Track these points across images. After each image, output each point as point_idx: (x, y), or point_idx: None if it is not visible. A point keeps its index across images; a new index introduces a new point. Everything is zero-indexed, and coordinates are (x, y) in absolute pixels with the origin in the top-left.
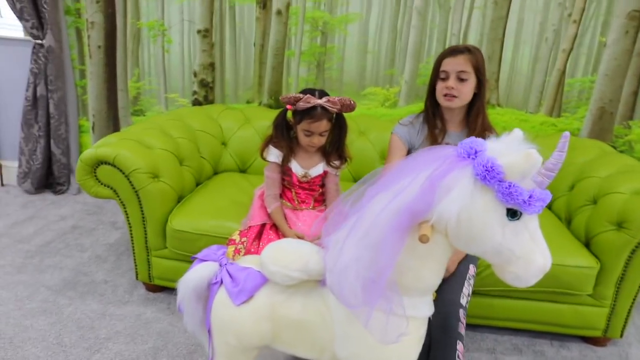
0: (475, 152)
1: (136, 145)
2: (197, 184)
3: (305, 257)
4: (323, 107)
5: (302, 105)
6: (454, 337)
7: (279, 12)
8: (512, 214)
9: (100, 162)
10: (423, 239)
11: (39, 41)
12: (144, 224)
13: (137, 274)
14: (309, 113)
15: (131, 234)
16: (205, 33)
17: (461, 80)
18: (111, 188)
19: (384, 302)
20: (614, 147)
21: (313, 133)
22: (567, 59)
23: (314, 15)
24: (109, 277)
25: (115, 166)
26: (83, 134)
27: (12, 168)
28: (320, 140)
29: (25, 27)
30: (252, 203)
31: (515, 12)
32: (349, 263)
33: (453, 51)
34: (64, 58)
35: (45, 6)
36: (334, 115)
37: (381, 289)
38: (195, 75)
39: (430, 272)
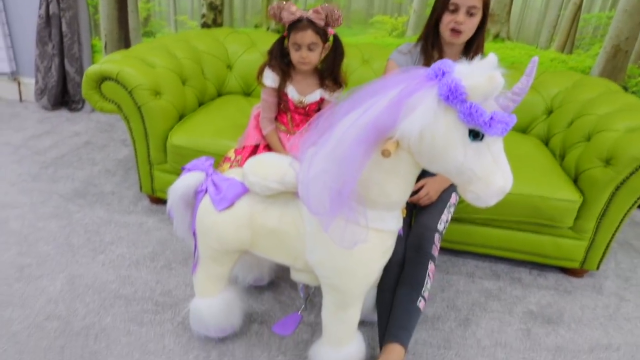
0: (443, 73)
1: (139, 63)
2: (200, 104)
3: (282, 169)
4: (308, 19)
5: (286, 16)
6: (427, 258)
7: None
8: (475, 135)
9: (104, 77)
10: (385, 154)
11: None
12: (147, 139)
13: (141, 187)
14: (294, 25)
15: (135, 148)
16: None
17: (470, 15)
18: (115, 103)
19: (348, 211)
20: (625, 88)
21: (300, 46)
22: None
23: None
24: (116, 189)
25: (118, 82)
26: (96, 54)
27: (29, 85)
28: (310, 56)
29: None
30: (248, 122)
31: None
32: (317, 174)
33: None
34: None
35: None
36: (329, 36)
37: (345, 200)
38: None
39: (396, 187)
